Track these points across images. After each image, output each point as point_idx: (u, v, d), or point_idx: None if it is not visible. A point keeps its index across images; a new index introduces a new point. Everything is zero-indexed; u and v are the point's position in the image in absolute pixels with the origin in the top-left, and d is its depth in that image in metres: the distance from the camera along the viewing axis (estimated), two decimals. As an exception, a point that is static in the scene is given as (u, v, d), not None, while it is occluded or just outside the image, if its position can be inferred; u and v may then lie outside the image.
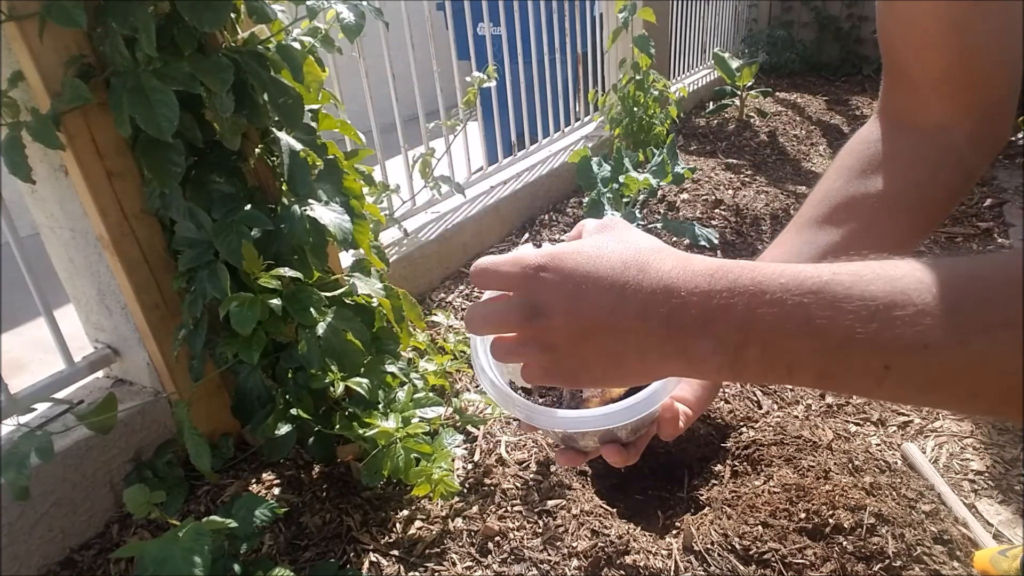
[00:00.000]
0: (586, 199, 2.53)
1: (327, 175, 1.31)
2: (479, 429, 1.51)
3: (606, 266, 0.41)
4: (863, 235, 0.56)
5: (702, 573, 1.17)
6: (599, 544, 1.20)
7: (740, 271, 0.38)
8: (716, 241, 2.37)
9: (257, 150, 1.28)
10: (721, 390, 1.64)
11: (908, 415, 1.61)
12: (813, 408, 1.62)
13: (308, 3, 1.20)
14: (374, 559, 1.21)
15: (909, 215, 0.57)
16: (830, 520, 1.21)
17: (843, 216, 0.57)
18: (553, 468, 1.40)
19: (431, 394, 1.34)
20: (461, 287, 2.19)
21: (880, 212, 0.56)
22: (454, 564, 1.20)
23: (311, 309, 1.21)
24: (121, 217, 1.17)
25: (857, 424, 1.58)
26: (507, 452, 1.46)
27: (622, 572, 1.16)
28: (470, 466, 1.43)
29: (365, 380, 1.25)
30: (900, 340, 0.32)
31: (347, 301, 1.34)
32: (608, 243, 0.43)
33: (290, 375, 1.30)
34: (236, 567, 1.05)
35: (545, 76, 2.97)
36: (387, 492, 1.34)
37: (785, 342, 0.35)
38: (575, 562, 1.18)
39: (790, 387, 1.70)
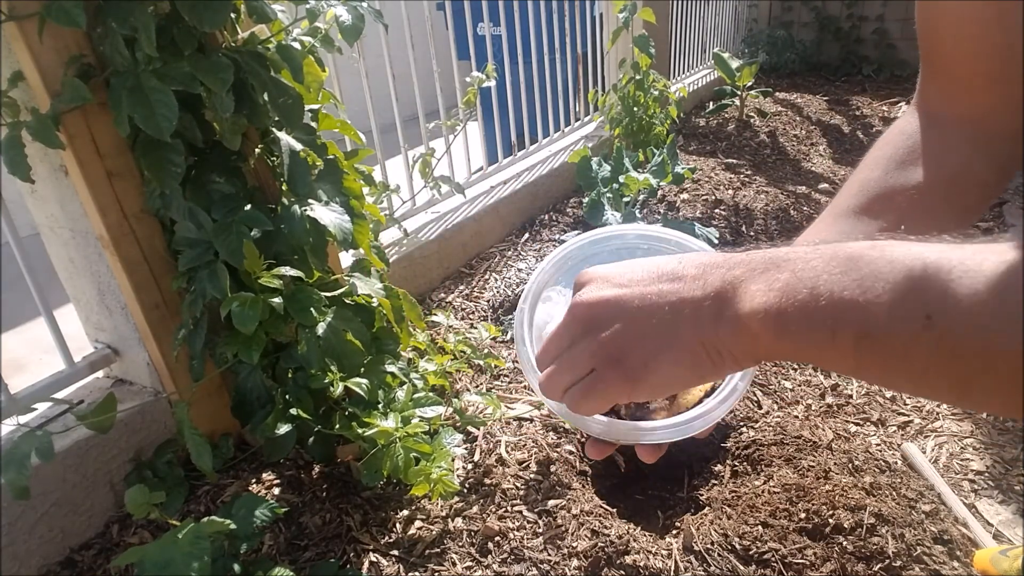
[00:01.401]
0: (586, 199, 2.53)
1: (327, 175, 1.31)
2: (479, 429, 1.51)
3: (655, 258, 0.44)
4: (900, 226, 0.56)
5: (702, 573, 1.17)
6: (599, 544, 1.20)
7: (810, 245, 0.38)
8: (716, 241, 2.37)
9: (257, 150, 1.28)
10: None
11: (908, 415, 1.61)
12: (813, 408, 1.62)
13: (308, 5, 1.20)
14: (374, 559, 1.21)
15: (946, 207, 0.57)
16: (830, 520, 1.21)
17: (880, 207, 0.57)
18: (553, 468, 1.40)
19: (431, 394, 1.34)
20: (461, 287, 2.19)
21: (917, 204, 0.56)
22: (454, 564, 1.20)
23: (311, 309, 1.21)
24: (121, 217, 1.17)
25: (857, 424, 1.58)
26: (507, 452, 1.46)
27: (622, 572, 1.16)
28: (470, 466, 1.43)
29: (365, 380, 1.25)
30: (946, 285, 0.31)
31: (347, 301, 1.34)
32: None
33: (290, 375, 1.30)
34: (236, 567, 1.05)
35: (545, 76, 2.97)
36: (387, 492, 1.34)
37: (832, 285, 0.34)
38: (575, 562, 1.18)
39: (790, 387, 1.71)
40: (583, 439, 1.52)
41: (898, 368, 0.33)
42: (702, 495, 1.38)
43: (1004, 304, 0.29)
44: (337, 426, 1.25)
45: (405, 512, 1.30)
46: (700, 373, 0.41)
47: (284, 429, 1.22)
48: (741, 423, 1.55)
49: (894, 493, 1.31)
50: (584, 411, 0.44)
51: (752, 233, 2.55)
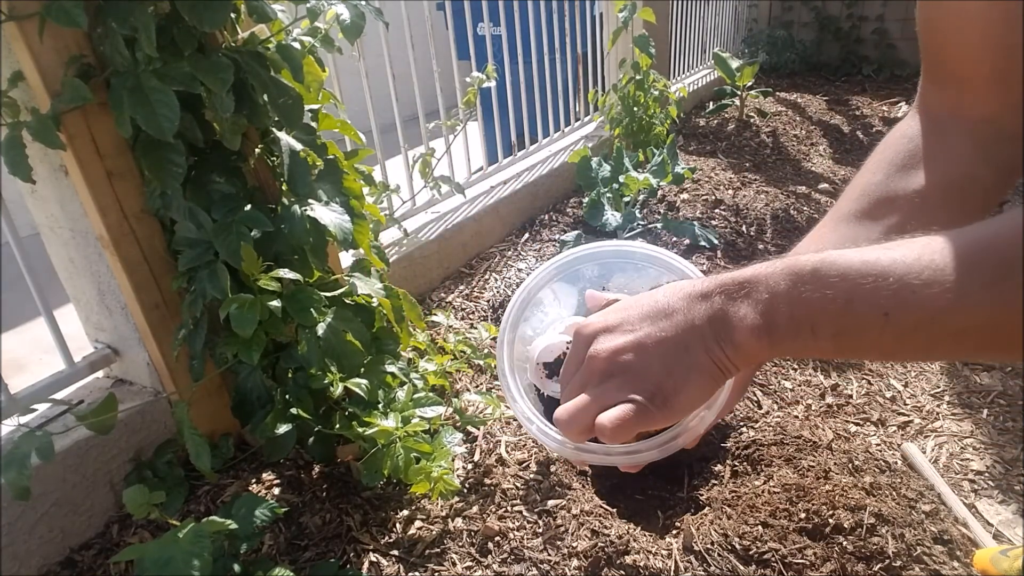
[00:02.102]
0: (586, 199, 2.53)
1: (327, 175, 1.31)
2: (479, 429, 1.51)
3: (636, 300, 0.49)
4: (902, 231, 0.56)
5: (702, 573, 1.17)
6: (599, 544, 1.21)
7: (765, 263, 0.44)
8: (716, 241, 2.37)
9: (257, 150, 1.28)
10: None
11: (908, 415, 1.61)
12: (813, 408, 1.62)
13: (309, 4, 1.20)
14: (374, 559, 1.21)
15: (948, 212, 0.57)
16: (830, 520, 1.21)
17: (883, 211, 0.58)
18: (553, 468, 1.40)
19: (431, 394, 1.34)
20: (461, 287, 2.19)
21: (920, 208, 0.56)
22: (454, 564, 1.20)
23: (311, 309, 1.21)
24: (121, 217, 1.17)
25: (857, 424, 1.58)
26: (507, 452, 1.46)
27: (622, 572, 1.16)
28: (470, 466, 1.43)
29: (365, 380, 1.25)
30: (894, 288, 0.38)
31: (347, 301, 1.34)
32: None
33: (290, 375, 1.30)
34: (236, 567, 1.05)
35: (545, 76, 2.97)
36: (387, 492, 1.34)
37: (806, 300, 0.41)
38: (575, 562, 1.18)
39: (790, 387, 1.71)
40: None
41: (872, 350, 0.41)
42: (702, 495, 1.38)
43: (940, 295, 0.36)
44: (337, 426, 1.25)
45: (405, 512, 1.30)
46: (718, 383, 0.47)
47: (284, 429, 1.22)
48: (741, 423, 1.55)
49: (894, 493, 1.31)
50: (618, 439, 0.46)
51: (752, 233, 2.55)
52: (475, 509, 1.30)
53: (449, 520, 1.28)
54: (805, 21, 5.70)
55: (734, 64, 3.76)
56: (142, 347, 1.30)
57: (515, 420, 1.56)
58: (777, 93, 4.71)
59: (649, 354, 0.46)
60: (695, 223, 2.41)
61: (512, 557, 1.21)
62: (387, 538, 1.25)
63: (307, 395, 1.27)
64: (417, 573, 1.19)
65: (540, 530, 1.26)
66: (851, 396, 1.67)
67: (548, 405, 0.56)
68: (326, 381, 1.21)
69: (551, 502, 1.31)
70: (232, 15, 1.16)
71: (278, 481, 1.34)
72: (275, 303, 1.15)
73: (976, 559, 1.21)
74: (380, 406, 1.27)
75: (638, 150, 2.90)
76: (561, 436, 0.52)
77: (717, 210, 2.68)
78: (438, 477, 1.20)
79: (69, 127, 1.08)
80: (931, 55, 0.58)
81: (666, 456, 0.52)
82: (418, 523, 1.28)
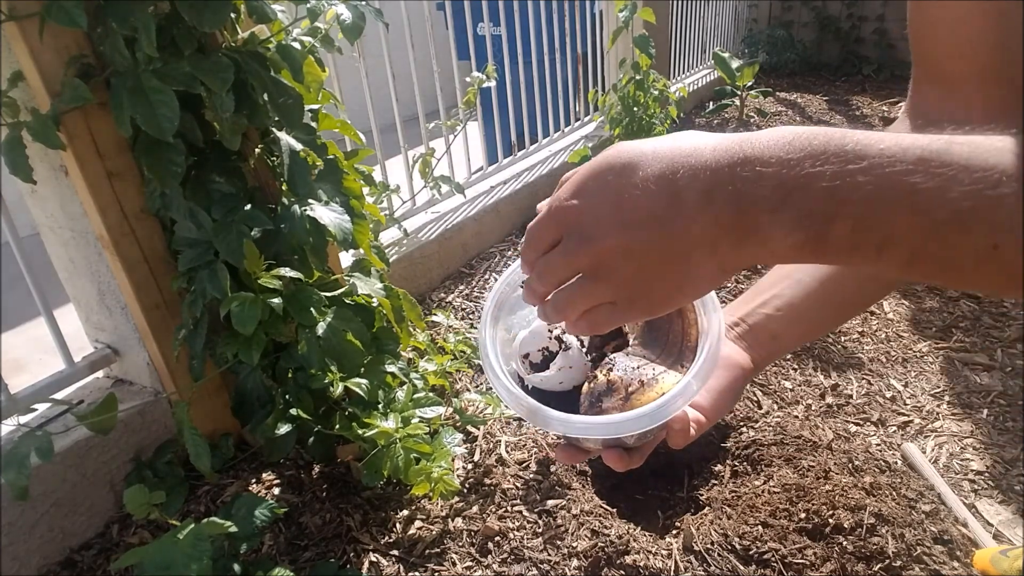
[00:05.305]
0: (586, 199, 2.53)
1: (327, 175, 1.31)
2: (479, 429, 1.51)
3: (647, 161, 0.37)
4: None
5: (702, 573, 1.17)
6: (599, 544, 1.20)
7: (826, 137, 0.33)
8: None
9: (257, 150, 1.28)
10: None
11: (908, 415, 1.61)
12: (813, 408, 1.62)
13: (309, 5, 1.20)
14: (374, 559, 1.21)
15: None
16: (830, 520, 1.21)
17: None
18: (553, 468, 1.40)
19: (431, 394, 1.34)
20: (461, 287, 2.19)
21: None
22: (454, 564, 1.20)
23: (311, 309, 1.21)
24: (121, 217, 1.17)
25: (857, 424, 1.58)
26: (507, 452, 1.46)
27: (622, 572, 1.16)
28: (470, 466, 1.43)
29: (365, 380, 1.25)
30: (1014, 217, 0.29)
31: (347, 301, 1.34)
32: (630, 146, 0.38)
33: (290, 375, 1.30)
34: (236, 567, 1.05)
35: (545, 76, 2.97)
36: (387, 492, 1.34)
37: (882, 216, 0.31)
38: (575, 562, 1.18)
39: (790, 387, 1.71)
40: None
41: (946, 277, 0.33)
42: (702, 495, 1.38)
43: None
44: (337, 426, 1.25)
45: (405, 512, 1.30)
46: (718, 283, 0.39)
47: (284, 429, 1.22)
48: (741, 423, 1.55)
49: (894, 493, 1.31)
50: (585, 330, 0.41)
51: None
52: (475, 509, 1.30)
53: (449, 520, 1.28)
54: (805, 21, 5.70)
55: (734, 64, 3.75)
56: (142, 347, 1.30)
57: (515, 420, 1.56)
58: (777, 93, 4.71)
59: (638, 263, 0.38)
60: (695, 223, 2.41)
61: (512, 557, 1.21)
62: (387, 538, 1.25)
63: (307, 395, 1.27)
64: (417, 573, 1.19)
65: (540, 530, 1.26)
66: (851, 396, 1.67)
67: (531, 396, 0.55)
68: (326, 381, 1.21)
69: (551, 502, 1.31)
70: (232, 15, 1.16)
71: (278, 481, 1.34)
72: (276, 301, 1.15)
73: (976, 559, 1.21)
74: (380, 406, 1.27)
75: (638, 150, 2.89)
76: (533, 405, 0.49)
77: (717, 210, 2.68)
78: (438, 477, 1.20)
79: (69, 127, 1.08)
80: (921, 54, 0.58)
81: (656, 425, 0.48)
82: (418, 523, 1.28)
